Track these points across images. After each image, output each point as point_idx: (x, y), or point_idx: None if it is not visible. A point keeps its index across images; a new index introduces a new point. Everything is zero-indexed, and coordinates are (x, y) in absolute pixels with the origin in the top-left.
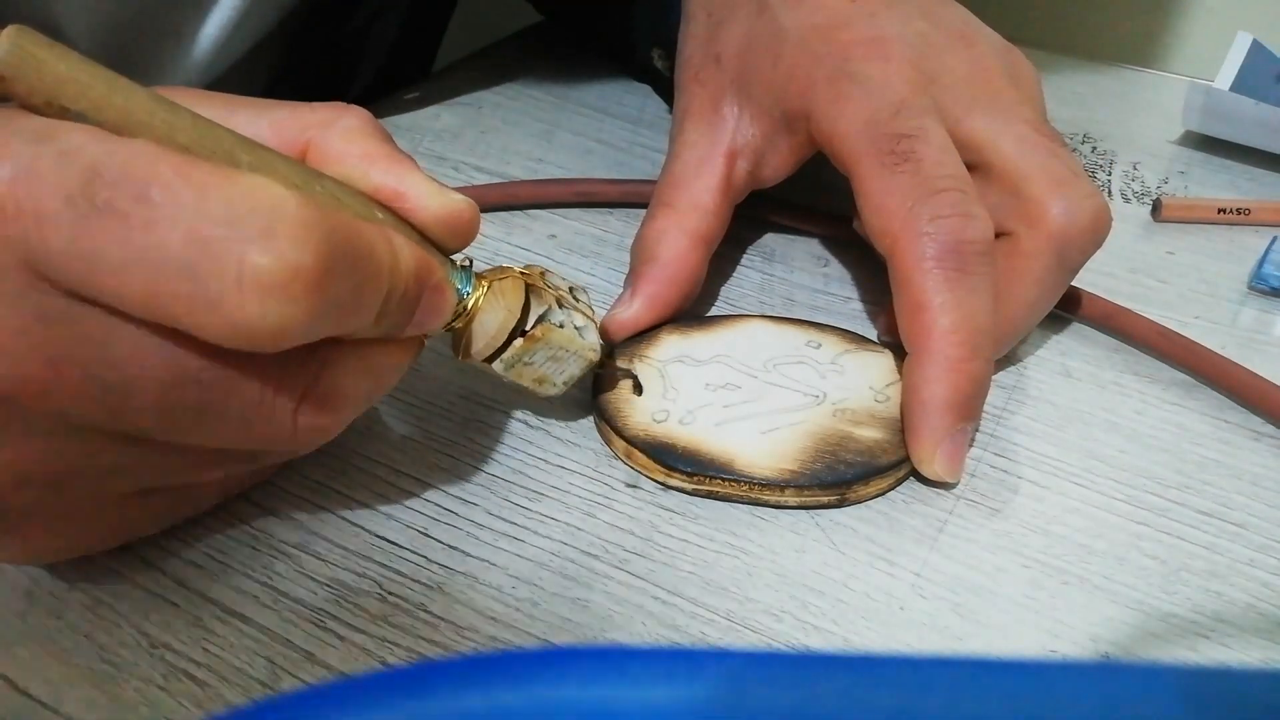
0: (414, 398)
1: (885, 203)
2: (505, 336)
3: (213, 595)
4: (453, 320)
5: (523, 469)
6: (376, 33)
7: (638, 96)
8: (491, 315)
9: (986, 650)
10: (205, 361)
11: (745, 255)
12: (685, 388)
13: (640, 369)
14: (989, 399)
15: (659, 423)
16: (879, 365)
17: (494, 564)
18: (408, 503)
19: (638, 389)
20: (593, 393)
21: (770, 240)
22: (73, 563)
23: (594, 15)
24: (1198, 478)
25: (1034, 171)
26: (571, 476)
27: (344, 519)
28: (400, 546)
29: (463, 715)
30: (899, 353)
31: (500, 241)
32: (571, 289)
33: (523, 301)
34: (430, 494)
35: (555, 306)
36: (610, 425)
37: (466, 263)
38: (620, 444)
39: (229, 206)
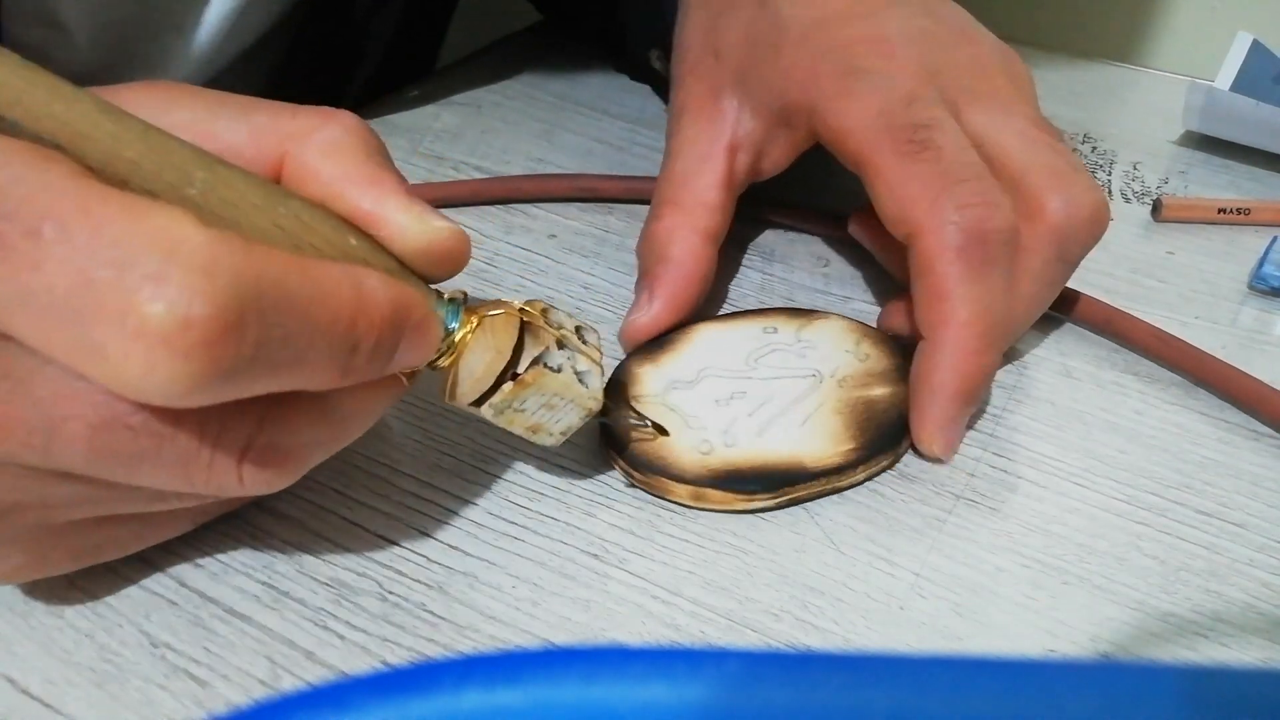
0: (414, 398)
1: (907, 192)
2: (493, 379)
3: (213, 595)
4: (436, 358)
5: (523, 469)
6: (376, 28)
7: (638, 96)
8: (478, 355)
9: (986, 650)
10: (136, 405)
11: (745, 255)
12: (702, 411)
13: (647, 412)
14: (989, 399)
15: (707, 454)
16: (835, 330)
17: (494, 563)
18: (408, 503)
19: (661, 431)
20: (626, 462)
21: (770, 240)
22: None
23: (592, 16)
24: (1197, 478)
25: (1034, 166)
26: (571, 476)
27: (344, 519)
28: (400, 546)
29: (463, 715)
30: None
31: (500, 241)
32: (579, 329)
33: (515, 341)
34: (430, 494)
35: (554, 348)
36: (666, 475)
37: (459, 295)
38: (684, 490)
39: (123, 247)
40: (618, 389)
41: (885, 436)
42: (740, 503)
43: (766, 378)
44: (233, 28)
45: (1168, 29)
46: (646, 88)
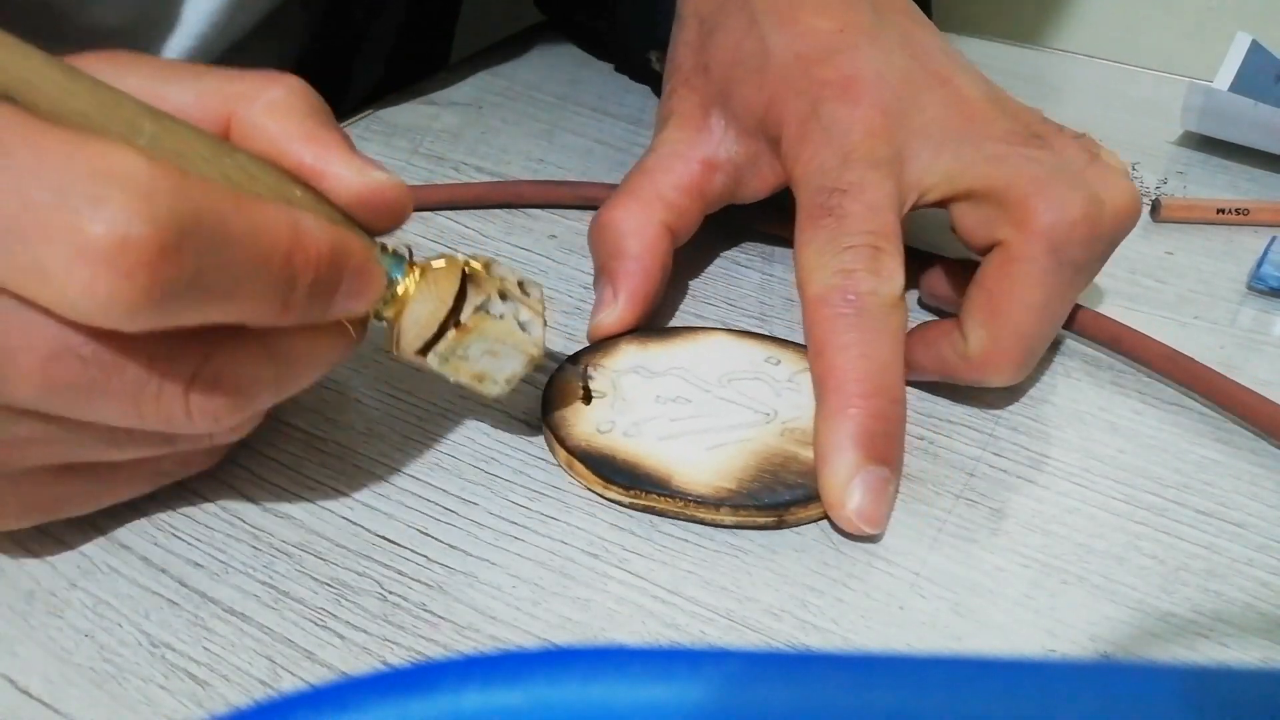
0: (414, 398)
1: (802, 254)
2: (436, 327)
3: (213, 594)
4: (382, 309)
5: (523, 468)
6: (377, 30)
7: (638, 96)
8: (422, 304)
9: (986, 650)
10: (86, 336)
11: (745, 255)
12: (636, 399)
13: (596, 379)
14: (987, 399)
15: (603, 433)
16: None
17: (494, 563)
18: (408, 502)
19: (586, 398)
20: (542, 402)
21: (770, 240)
22: (73, 562)
23: (593, 17)
24: (1196, 477)
25: (1011, 178)
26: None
27: (344, 519)
28: (400, 546)
29: (463, 715)
30: None
31: (500, 241)
32: (521, 282)
33: (456, 290)
34: (430, 494)
35: (495, 298)
36: (554, 435)
37: (404, 250)
38: (562, 454)
39: (64, 172)
40: (594, 349)
41: (772, 494)
42: (598, 486)
43: (723, 398)
44: (225, 14)
45: (1167, 29)
46: (647, 88)
